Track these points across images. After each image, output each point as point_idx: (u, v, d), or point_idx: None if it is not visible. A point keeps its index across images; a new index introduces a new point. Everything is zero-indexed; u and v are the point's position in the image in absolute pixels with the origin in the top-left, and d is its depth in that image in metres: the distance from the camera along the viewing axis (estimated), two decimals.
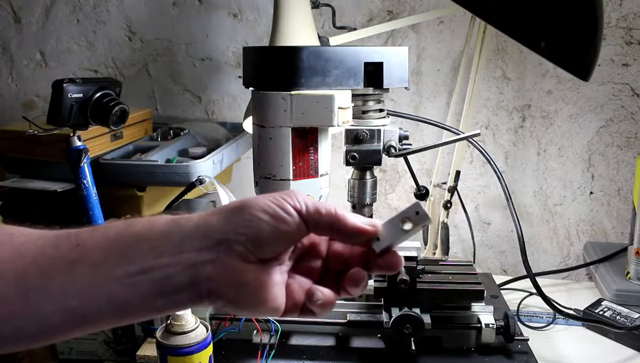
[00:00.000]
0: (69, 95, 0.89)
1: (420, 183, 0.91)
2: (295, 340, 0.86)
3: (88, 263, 0.39)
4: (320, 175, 0.79)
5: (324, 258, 0.44)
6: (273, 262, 0.41)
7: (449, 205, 1.15)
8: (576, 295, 1.13)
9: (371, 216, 0.89)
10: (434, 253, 1.19)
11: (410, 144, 0.85)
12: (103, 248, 0.39)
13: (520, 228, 0.93)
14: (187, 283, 0.39)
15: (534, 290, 0.94)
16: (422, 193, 0.91)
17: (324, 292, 0.42)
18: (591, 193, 1.27)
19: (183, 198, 0.98)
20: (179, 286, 0.39)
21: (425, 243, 1.21)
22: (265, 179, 0.78)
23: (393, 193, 1.34)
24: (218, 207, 0.41)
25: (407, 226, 0.41)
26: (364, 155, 0.83)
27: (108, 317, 0.40)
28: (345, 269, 0.43)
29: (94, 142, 1.04)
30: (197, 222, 0.40)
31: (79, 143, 0.93)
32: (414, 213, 0.41)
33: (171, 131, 1.25)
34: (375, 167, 0.87)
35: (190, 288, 0.39)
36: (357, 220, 0.41)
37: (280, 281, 0.42)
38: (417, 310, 0.81)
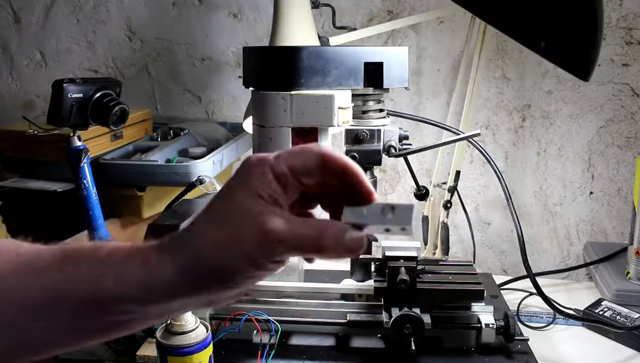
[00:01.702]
0: (69, 95, 0.89)
1: (420, 183, 0.91)
2: (295, 340, 0.86)
3: (76, 301, 0.38)
4: None
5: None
6: None
7: (449, 205, 1.15)
8: (576, 295, 1.13)
9: None
10: (434, 253, 1.19)
11: (410, 144, 0.85)
12: (92, 286, 0.38)
13: (520, 229, 0.93)
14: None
15: (534, 290, 0.94)
16: (422, 193, 0.91)
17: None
18: (591, 193, 1.27)
19: (183, 198, 0.98)
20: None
21: (425, 244, 1.21)
22: None
23: (393, 194, 1.34)
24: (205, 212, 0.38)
25: (387, 229, 0.38)
26: (364, 155, 0.83)
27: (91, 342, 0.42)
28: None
29: (94, 142, 1.04)
30: (184, 267, 0.37)
31: (79, 143, 0.93)
32: (400, 228, 0.38)
33: (171, 131, 1.25)
34: (375, 167, 0.87)
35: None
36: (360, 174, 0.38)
37: None
38: (417, 310, 0.81)
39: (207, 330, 0.74)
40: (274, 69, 0.76)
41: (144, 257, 0.37)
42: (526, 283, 0.99)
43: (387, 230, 0.38)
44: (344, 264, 0.98)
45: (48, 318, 0.38)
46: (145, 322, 0.40)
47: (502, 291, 1.06)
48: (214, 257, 0.36)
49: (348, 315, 0.86)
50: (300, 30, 0.94)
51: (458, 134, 0.96)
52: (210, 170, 1.02)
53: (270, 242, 0.36)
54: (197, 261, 0.36)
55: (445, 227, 1.16)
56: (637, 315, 0.97)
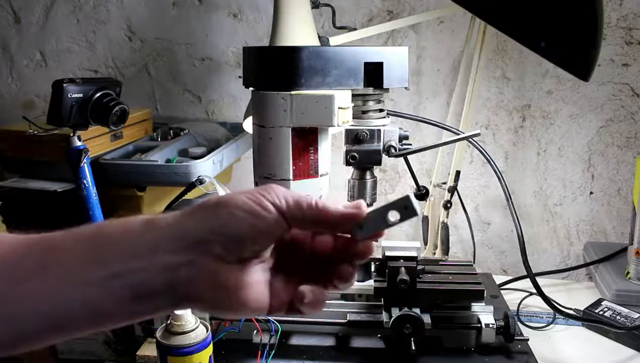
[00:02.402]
0: (69, 95, 0.89)
1: (420, 183, 0.91)
2: (295, 340, 0.86)
3: (60, 268, 0.38)
4: (320, 175, 0.79)
5: (308, 252, 0.42)
6: (253, 261, 0.40)
7: (449, 205, 1.15)
8: (576, 295, 1.13)
9: None
10: (434, 253, 1.19)
11: (410, 144, 0.85)
12: (75, 252, 0.38)
13: (520, 228, 0.93)
14: (162, 288, 0.37)
15: (534, 290, 0.94)
16: (422, 193, 0.91)
17: (314, 292, 0.41)
18: (591, 193, 1.27)
19: (183, 198, 0.98)
20: (154, 290, 0.37)
21: (425, 243, 1.21)
22: (265, 179, 0.78)
23: (393, 194, 1.34)
24: (194, 205, 0.40)
25: (393, 218, 0.39)
26: (364, 155, 0.83)
27: (82, 322, 0.39)
28: (329, 262, 0.41)
29: (94, 142, 1.04)
30: (172, 223, 0.38)
31: (79, 143, 0.93)
32: (403, 208, 0.39)
33: (171, 131, 1.25)
34: (375, 167, 0.87)
35: (166, 292, 0.38)
36: (340, 208, 0.39)
37: (262, 279, 0.40)
38: (417, 310, 0.81)
39: (207, 330, 0.74)
40: (274, 69, 0.76)
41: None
42: (526, 283, 0.99)
43: (392, 222, 0.39)
44: None
45: (44, 276, 0.38)
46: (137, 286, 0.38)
47: (502, 291, 1.06)
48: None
49: (348, 315, 0.86)
50: (300, 30, 0.93)
51: (458, 134, 0.96)
52: (210, 170, 1.02)
53: (268, 186, 0.39)
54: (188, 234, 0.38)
55: (445, 227, 1.16)
56: (637, 315, 0.97)
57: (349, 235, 0.41)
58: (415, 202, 0.39)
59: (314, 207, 0.39)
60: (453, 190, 1.15)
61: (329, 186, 0.81)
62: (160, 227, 0.38)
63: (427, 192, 0.92)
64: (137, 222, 0.39)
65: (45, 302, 0.37)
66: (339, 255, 0.41)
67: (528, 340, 0.85)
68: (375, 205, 0.91)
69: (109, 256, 0.38)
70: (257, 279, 0.40)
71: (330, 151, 0.81)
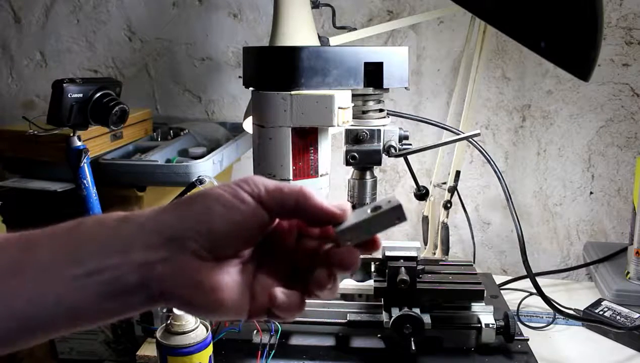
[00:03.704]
0: (69, 95, 0.89)
1: (420, 184, 0.91)
2: (295, 340, 0.86)
3: (36, 265, 0.37)
4: (320, 175, 0.79)
5: (292, 257, 0.41)
6: (233, 260, 0.38)
7: (449, 205, 1.15)
8: (576, 295, 1.13)
9: None
10: (434, 253, 1.19)
11: (410, 144, 0.85)
12: (51, 250, 0.37)
13: (520, 228, 0.93)
14: (137, 285, 0.36)
15: (534, 290, 0.94)
16: (422, 193, 0.91)
17: (287, 295, 0.39)
18: (591, 193, 1.27)
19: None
20: (129, 288, 0.36)
21: (425, 243, 1.21)
22: None
23: (393, 193, 1.34)
24: (173, 201, 0.39)
25: (375, 214, 0.38)
26: (364, 155, 0.83)
27: (59, 321, 0.37)
28: (312, 269, 0.39)
29: (94, 142, 1.04)
30: (147, 218, 0.38)
31: (79, 143, 0.93)
32: (387, 202, 0.37)
33: (171, 131, 1.24)
34: (375, 167, 0.87)
35: (141, 289, 0.37)
36: (324, 201, 0.38)
37: (241, 281, 0.39)
38: (417, 310, 0.81)
39: (207, 330, 0.74)
40: (274, 69, 0.76)
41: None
42: (526, 283, 1.00)
43: (375, 221, 0.38)
44: None
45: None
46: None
47: (502, 291, 1.06)
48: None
49: (348, 315, 0.86)
50: (300, 30, 0.93)
51: (458, 134, 0.96)
52: (210, 170, 1.02)
53: (248, 176, 0.38)
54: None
55: (445, 227, 1.16)
56: (637, 315, 0.97)
57: (333, 240, 0.40)
58: (396, 200, 0.37)
59: (296, 190, 0.38)
60: (453, 190, 1.15)
61: (329, 186, 0.81)
62: (135, 223, 0.38)
63: (427, 192, 0.92)
64: (114, 218, 0.38)
65: (20, 301, 0.36)
66: (321, 262, 0.39)
67: (528, 340, 0.85)
68: None
69: (83, 254, 0.37)
70: (236, 280, 0.38)
71: (330, 151, 0.81)
